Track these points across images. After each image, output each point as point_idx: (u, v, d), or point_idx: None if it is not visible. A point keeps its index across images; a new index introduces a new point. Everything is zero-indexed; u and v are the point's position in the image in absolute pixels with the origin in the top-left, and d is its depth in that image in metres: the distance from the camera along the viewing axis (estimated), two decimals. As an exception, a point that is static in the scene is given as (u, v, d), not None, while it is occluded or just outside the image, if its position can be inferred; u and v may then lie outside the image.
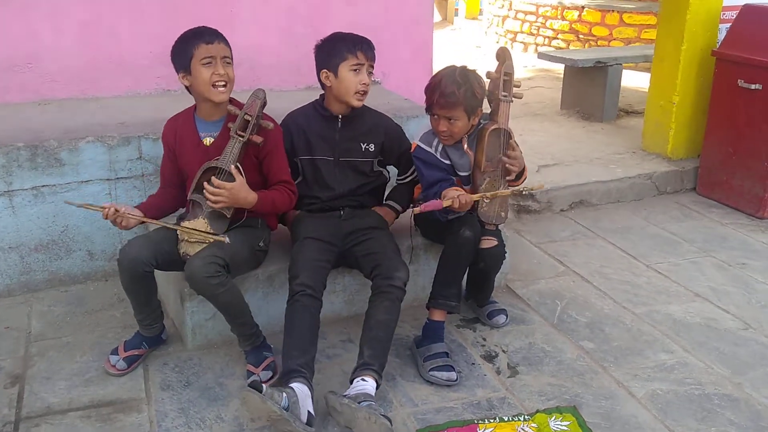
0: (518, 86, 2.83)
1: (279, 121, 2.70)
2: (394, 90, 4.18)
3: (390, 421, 2.23)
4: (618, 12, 8.50)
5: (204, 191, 2.44)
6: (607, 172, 4.55)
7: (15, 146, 2.97)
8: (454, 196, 2.56)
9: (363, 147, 2.79)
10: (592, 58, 5.80)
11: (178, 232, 2.49)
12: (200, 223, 2.50)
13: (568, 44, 8.95)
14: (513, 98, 2.82)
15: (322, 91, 2.77)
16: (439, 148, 2.80)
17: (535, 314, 3.08)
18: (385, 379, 2.46)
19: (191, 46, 2.46)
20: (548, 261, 3.61)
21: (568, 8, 8.97)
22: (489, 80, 2.81)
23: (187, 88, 2.57)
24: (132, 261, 2.41)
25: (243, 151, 2.49)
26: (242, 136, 2.47)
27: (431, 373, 2.57)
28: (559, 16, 9.12)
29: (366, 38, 2.69)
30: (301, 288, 2.44)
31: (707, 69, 4.51)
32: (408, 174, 2.95)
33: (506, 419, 2.37)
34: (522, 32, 9.77)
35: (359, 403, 2.24)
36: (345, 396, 2.30)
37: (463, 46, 10.40)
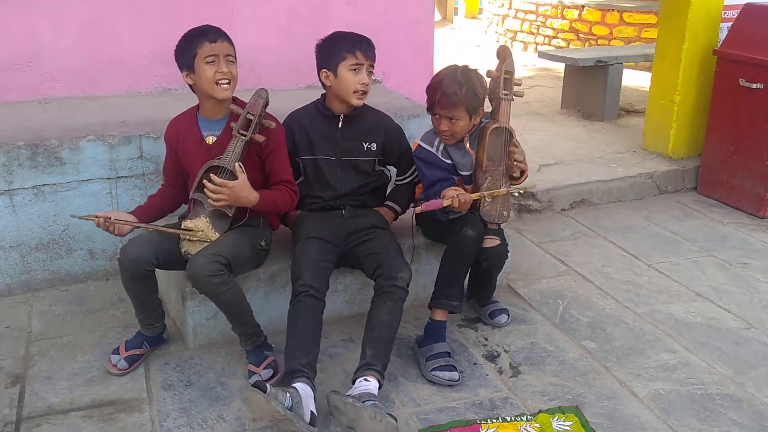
0: (519, 84, 2.83)
1: (280, 121, 2.70)
2: (395, 89, 4.17)
3: (395, 419, 2.22)
4: (618, 11, 8.50)
5: (205, 190, 2.44)
6: (608, 172, 4.55)
7: (15, 145, 2.97)
8: (453, 196, 2.56)
9: (365, 146, 2.79)
10: (593, 57, 5.80)
11: (179, 232, 2.49)
12: (202, 222, 2.50)
13: (568, 43, 8.95)
14: (514, 97, 2.81)
15: (323, 91, 2.76)
16: (441, 147, 2.79)
17: (536, 314, 3.08)
18: (387, 379, 2.45)
19: (195, 45, 2.46)
20: (549, 260, 3.61)
21: (568, 7, 8.96)
22: (490, 79, 2.80)
23: (191, 87, 2.57)
24: (133, 260, 2.40)
25: (245, 150, 2.49)
26: (244, 135, 2.47)
27: (433, 372, 2.57)
28: (559, 15, 9.11)
29: (366, 37, 2.68)
30: (304, 289, 2.44)
31: (708, 68, 4.51)
32: (407, 174, 2.95)
33: (509, 419, 2.37)
34: (522, 31, 9.77)
35: (363, 402, 2.23)
36: (348, 396, 2.29)
37: (462, 45, 10.40)
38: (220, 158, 2.47)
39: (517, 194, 2.77)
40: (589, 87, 5.94)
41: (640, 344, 2.84)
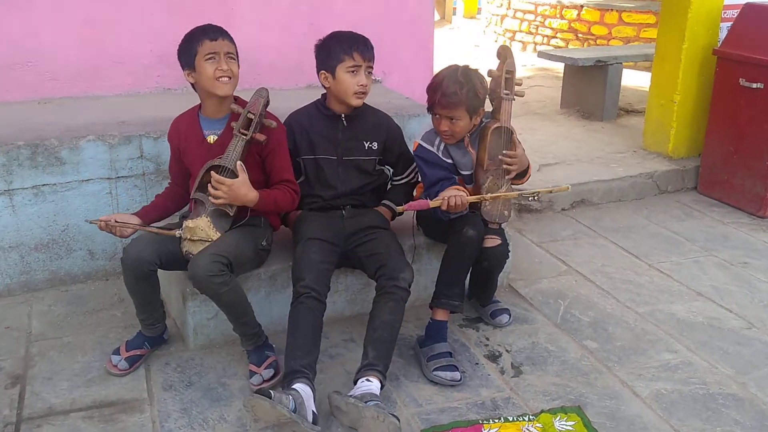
0: (520, 84, 2.83)
1: (281, 120, 2.69)
2: (395, 89, 4.17)
3: (398, 419, 2.22)
4: (617, 11, 8.51)
5: (208, 189, 2.44)
6: (608, 171, 4.55)
7: (15, 145, 2.96)
8: (446, 197, 2.55)
9: (366, 146, 2.79)
10: (593, 57, 5.80)
11: (180, 231, 2.48)
12: (203, 221, 2.49)
13: (567, 43, 8.95)
14: (515, 96, 2.81)
15: (324, 90, 2.76)
16: (441, 147, 2.79)
17: (538, 314, 3.07)
18: (388, 379, 2.44)
19: (196, 43, 2.47)
20: (550, 260, 3.60)
21: (567, 7, 8.97)
22: (490, 78, 2.80)
23: (192, 86, 2.57)
24: (135, 260, 2.40)
25: (246, 149, 2.49)
26: (245, 135, 2.47)
27: (435, 373, 2.56)
28: (558, 15, 9.12)
29: (364, 38, 2.67)
30: (306, 290, 2.43)
31: (708, 68, 4.51)
32: (404, 175, 2.94)
33: (511, 419, 2.36)
34: (521, 31, 9.78)
35: (365, 402, 2.23)
36: (350, 396, 2.28)
37: (461, 45, 10.40)
38: (220, 157, 2.47)
39: (531, 199, 2.75)
40: (589, 87, 5.95)
41: (642, 344, 2.84)
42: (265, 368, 2.52)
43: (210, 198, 2.46)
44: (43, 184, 3.03)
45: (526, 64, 8.47)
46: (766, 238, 3.91)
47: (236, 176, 2.44)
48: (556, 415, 2.38)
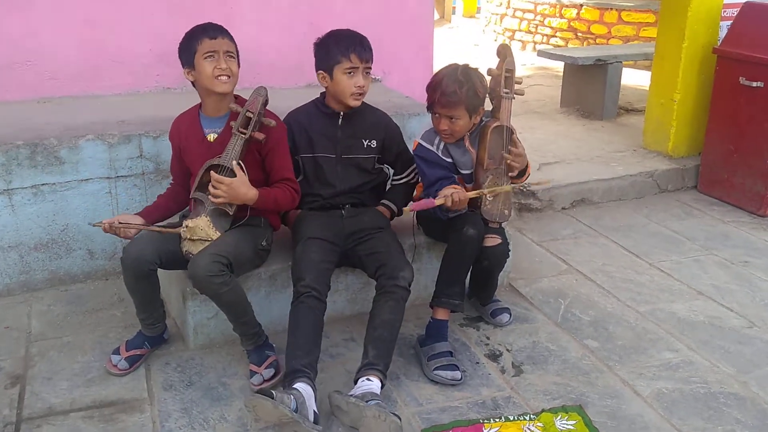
0: (519, 83, 2.82)
1: (281, 119, 2.69)
2: (395, 88, 4.17)
3: (399, 418, 2.21)
4: (616, 10, 8.51)
5: (208, 188, 2.44)
6: (608, 170, 4.54)
7: (14, 144, 2.95)
8: (447, 194, 2.54)
9: (365, 144, 2.78)
10: (593, 56, 5.80)
11: (181, 230, 2.48)
12: (202, 221, 2.49)
13: (567, 42, 8.95)
14: (515, 95, 2.80)
15: (323, 89, 2.75)
16: (441, 146, 2.78)
17: (538, 313, 3.07)
18: (389, 378, 2.44)
19: (195, 42, 2.47)
20: (551, 259, 3.60)
21: (567, 6, 8.96)
22: (490, 77, 2.79)
23: (193, 84, 2.57)
24: (136, 260, 2.40)
25: (245, 148, 2.49)
26: (244, 133, 2.47)
27: (435, 372, 2.56)
28: (557, 14, 9.11)
29: (362, 38, 2.66)
30: (306, 290, 2.43)
31: (708, 66, 4.51)
32: (404, 175, 2.93)
33: (512, 418, 2.36)
34: (520, 30, 9.77)
35: (366, 402, 2.22)
36: (351, 395, 2.28)
37: (461, 45, 10.39)
38: (219, 157, 2.46)
39: (525, 189, 2.75)
40: (589, 86, 5.94)
41: (643, 343, 2.84)
42: (266, 368, 2.51)
43: (210, 197, 2.46)
44: (43, 184, 3.02)
45: (525, 63, 8.47)
46: (767, 236, 3.91)
47: (235, 175, 2.43)
48: (557, 415, 2.38)
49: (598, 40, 8.60)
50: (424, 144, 2.80)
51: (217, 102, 2.56)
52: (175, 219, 2.70)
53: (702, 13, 4.49)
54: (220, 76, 2.47)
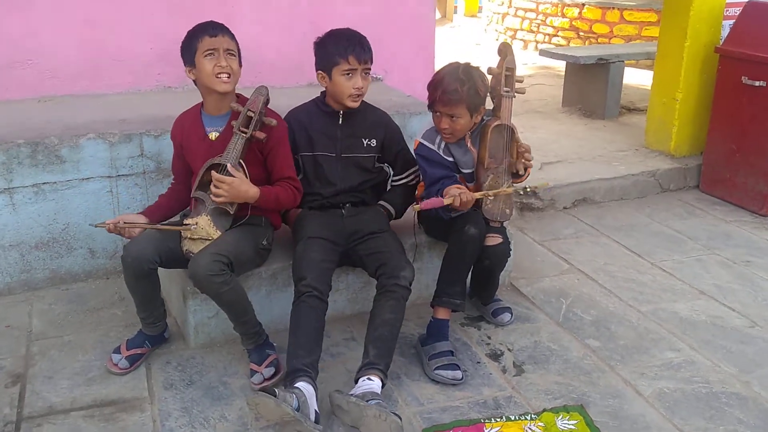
0: (520, 81, 2.81)
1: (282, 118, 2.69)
2: (396, 87, 4.16)
3: (400, 418, 2.21)
4: (618, 9, 8.50)
5: (210, 188, 2.44)
6: (610, 170, 4.53)
7: (15, 143, 2.95)
8: (455, 194, 2.54)
9: (365, 143, 2.78)
10: (595, 55, 5.79)
11: (191, 227, 2.48)
12: (203, 220, 2.48)
13: (569, 41, 8.94)
14: (515, 93, 2.79)
15: (323, 88, 2.75)
16: (442, 145, 2.78)
17: (540, 312, 3.06)
18: (390, 378, 2.43)
19: (196, 40, 2.47)
20: (552, 259, 3.59)
21: (569, 5, 8.95)
22: (491, 76, 2.79)
23: (195, 83, 2.57)
24: (136, 258, 2.39)
25: (246, 147, 2.48)
26: (245, 133, 2.46)
27: (436, 371, 2.55)
28: (559, 14, 9.10)
29: (361, 38, 2.65)
30: (308, 289, 2.42)
31: (710, 66, 4.49)
32: (404, 175, 2.92)
33: (513, 418, 2.35)
34: (522, 29, 9.76)
35: (367, 401, 2.22)
36: (351, 395, 2.27)
37: (462, 44, 10.38)
38: (221, 156, 2.46)
39: (529, 191, 2.75)
40: (591, 85, 5.93)
41: (645, 343, 2.83)
42: (266, 367, 2.51)
43: (211, 196, 2.46)
44: (44, 183, 3.02)
45: (527, 63, 8.46)
46: (769, 236, 3.90)
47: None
48: (559, 414, 2.37)
49: (600, 40, 8.59)
50: (425, 143, 2.79)
51: (218, 101, 2.55)
52: (176, 218, 2.70)
53: (704, 12, 4.48)
54: (220, 74, 2.46)
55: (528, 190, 2.74)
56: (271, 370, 2.51)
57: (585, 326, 2.95)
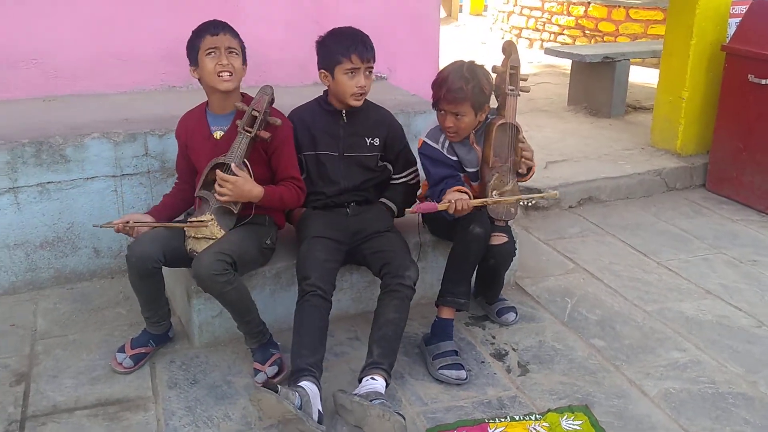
0: (525, 80, 2.80)
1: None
2: (401, 85, 4.15)
3: (404, 418, 2.20)
4: (624, 7, 8.46)
5: (215, 187, 2.44)
6: (616, 169, 4.52)
7: (20, 143, 2.95)
8: (451, 200, 2.52)
9: (368, 142, 2.77)
10: (600, 53, 5.77)
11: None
12: (207, 218, 2.48)
13: (574, 40, 8.91)
14: (520, 92, 2.78)
15: (326, 87, 2.74)
16: (446, 144, 2.77)
17: (545, 312, 3.05)
18: (393, 377, 2.43)
19: (198, 39, 2.48)
20: (557, 258, 3.58)
21: (574, 4, 8.92)
22: (495, 74, 2.78)
23: (200, 82, 2.57)
24: (140, 258, 2.39)
25: (250, 146, 2.48)
26: (249, 132, 2.46)
27: (440, 371, 2.54)
28: (565, 12, 9.07)
29: (363, 37, 2.64)
30: (312, 289, 2.42)
31: (717, 64, 4.47)
32: (403, 174, 2.91)
33: (517, 418, 2.34)
34: (527, 28, 9.73)
35: (371, 401, 2.21)
36: (355, 394, 2.27)
37: (468, 43, 10.36)
38: (225, 155, 2.46)
39: (529, 203, 2.74)
40: (596, 83, 5.91)
41: (650, 342, 2.81)
42: (270, 365, 2.51)
43: (215, 195, 2.46)
44: (48, 182, 3.02)
45: (532, 61, 8.44)
46: (776, 235, 3.88)
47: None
48: (563, 414, 2.36)
49: (605, 38, 8.56)
50: (429, 142, 2.78)
51: (222, 99, 2.55)
52: (180, 218, 2.70)
53: (710, 10, 4.46)
54: (221, 72, 2.46)
55: (530, 203, 2.71)
56: (275, 369, 2.51)
57: (590, 326, 2.94)
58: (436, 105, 2.72)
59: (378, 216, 2.77)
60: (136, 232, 2.48)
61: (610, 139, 5.16)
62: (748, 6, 4.32)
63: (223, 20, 2.54)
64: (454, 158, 2.77)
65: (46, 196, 3.03)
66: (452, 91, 2.61)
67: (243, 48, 2.55)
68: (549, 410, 2.39)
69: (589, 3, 8.76)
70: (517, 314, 2.97)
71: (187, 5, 3.62)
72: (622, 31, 8.48)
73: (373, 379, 2.32)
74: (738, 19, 4.38)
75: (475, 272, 2.81)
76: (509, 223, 2.82)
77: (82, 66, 3.60)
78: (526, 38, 9.72)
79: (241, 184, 2.42)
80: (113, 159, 3.10)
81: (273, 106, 2.55)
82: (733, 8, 4.49)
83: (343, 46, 2.59)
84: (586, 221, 4.05)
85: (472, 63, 2.70)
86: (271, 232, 2.66)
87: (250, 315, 2.50)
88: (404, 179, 2.91)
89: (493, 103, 2.77)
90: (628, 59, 5.82)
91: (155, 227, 2.50)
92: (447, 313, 2.70)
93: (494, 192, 2.71)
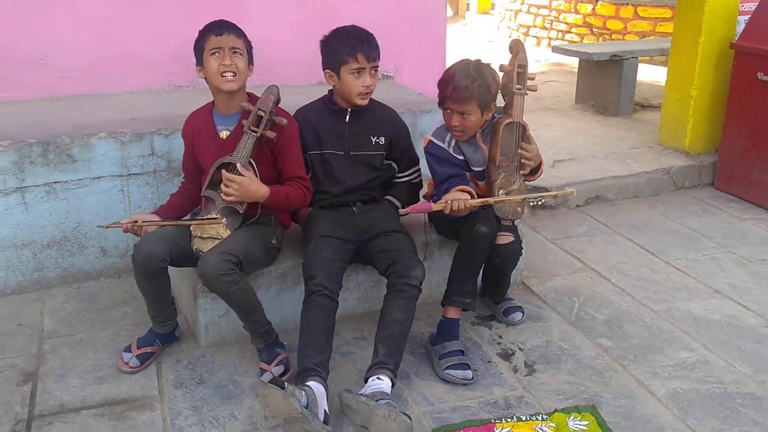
0: (532, 79, 2.78)
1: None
2: (407, 84, 4.14)
3: (410, 418, 2.20)
4: (632, 5, 8.42)
5: (221, 187, 2.44)
6: (624, 167, 4.49)
7: (27, 142, 2.96)
8: (448, 200, 2.51)
9: (373, 140, 2.77)
10: (608, 51, 5.74)
11: (191, 228, 2.48)
12: (219, 217, 2.48)
13: (582, 38, 8.87)
14: (527, 91, 2.77)
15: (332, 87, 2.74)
16: (452, 143, 2.76)
17: (551, 311, 3.04)
18: (399, 377, 2.42)
19: (203, 39, 2.49)
20: (565, 257, 3.56)
21: (582, 2, 8.88)
22: (502, 73, 2.76)
23: (206, 81, 2.57)
24: (146, 257, 2.39)
25: (256, 146, 2.48)
26: (255, 132, 2.46)
27: (447, 371, 2.54)
28: (572, 10, 9.03)
29: (368, 36, 2.63)
30: (318, 288, 2.41)
31: (725, 62, 4.44)
32: (407, 173, 2.90)
33: (524, 418, 2.33)
34: (535, 26, 9.70)
35: (376, 401, 2.21)
36: (361, 394, 2.26)
37: (475, 42, 10.33)
38: (231, 155, 2.46)
39: (538, 202, 2.72)
40: (604, 81, 5.88)
41: (658, 342, 2.80)
42: (276, 365, 2.51)
43: (221, 195, 2.46)
44: (55, 182, 3.03)
45: (540, 60, 8.41)
46: (785, 234, 3.85)
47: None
48: (570, 415, 2.35)
49: (613, 36, 8.52)
50: (435, 141, 2.77)
51: (227, 99, 2.56)
52: (186, 218, 2.69)
53: (719, 7, 4.43)
54: (224, 72, 2.47)
55: (539, 202, 2.69)
56: (281, 369, 2.51)
57: (597, 325, 2.92)
58: (442, 104, 2.71)
59: (384, 214, 2.76)
60: (143, 231, 2.48)
61: (618, 138, 5.14)
62: (757, 3, 4.28)
63: (230, 20, 2.54)
64: (461, 157, 2.76)
65: (53, 196, 3.04)
66: (458, 90, 2.60)
67: (249, 48, 2.55)
68: (556, 410, 2.38)
69: (597, 1, 8.72)
70: (523, 314, 2.96)
71: (194, 5, 3.62)
72: (630, 29, 8.44)
73: (379, 378, 2.31)
74: (747, 17, 4.35)
75: (481, 272, 2.80)
76: (515, 222, 2.81)
77: (89, 66, 3.61)
78: (534, 36, 9.68)
79: (246, 184, 2.42)
80: (120, 159, 3.11)
81: (279, 105, 2.55)
82: (742, 5, 4.46)
83: (349, 46, 2.58)
84: (593, 220, 4.04)
85: (478, 61, 2.69)
86: (277, 232, 2.66)
87: (256, 315, 2.50)
88: (407, 178, 2.91)
89: (500, 101, 2.75)
90: (636, 57, 5.79)
91: (164, 225, 2.50)
92: (453, 313, 2.69)
93: (501, 191, 2.70)
